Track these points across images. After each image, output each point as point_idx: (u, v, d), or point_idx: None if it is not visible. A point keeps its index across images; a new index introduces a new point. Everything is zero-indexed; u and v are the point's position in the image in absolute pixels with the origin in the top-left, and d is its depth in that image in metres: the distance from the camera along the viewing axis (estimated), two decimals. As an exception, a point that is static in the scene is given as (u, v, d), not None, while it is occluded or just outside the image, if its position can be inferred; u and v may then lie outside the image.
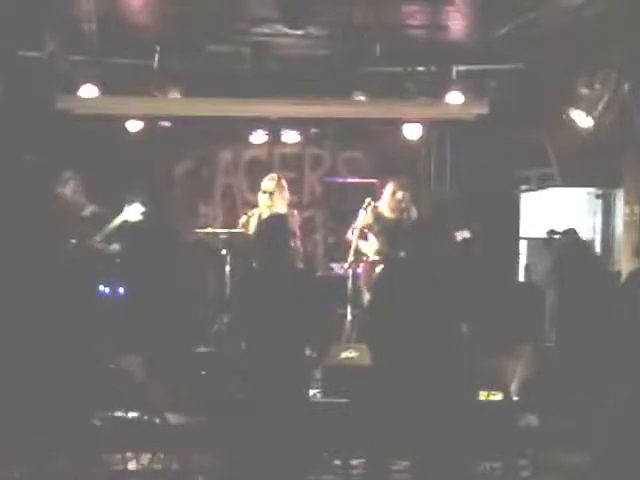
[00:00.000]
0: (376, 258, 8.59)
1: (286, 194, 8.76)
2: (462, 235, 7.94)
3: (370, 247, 8.65)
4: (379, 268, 8.30)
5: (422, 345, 5.51)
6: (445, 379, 5.50)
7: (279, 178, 8.80)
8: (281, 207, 8.59)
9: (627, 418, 5.85)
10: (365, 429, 6.10)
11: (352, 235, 8.58)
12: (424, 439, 5.53)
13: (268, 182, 8.71)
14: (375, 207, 8.61)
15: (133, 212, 8.13)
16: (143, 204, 8.20)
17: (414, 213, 8.69)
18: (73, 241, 7.70)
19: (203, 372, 7.65)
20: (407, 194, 8.63)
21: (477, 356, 6.06)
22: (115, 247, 8.10)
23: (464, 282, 5.80)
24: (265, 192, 8.66)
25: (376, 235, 8.63)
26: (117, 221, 8.09)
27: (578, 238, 7.16)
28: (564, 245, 6.62)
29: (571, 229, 7.67)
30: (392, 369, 5.64)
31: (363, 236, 8.63)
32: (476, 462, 6.27)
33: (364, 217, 8.56)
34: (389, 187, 8.69)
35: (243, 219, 8.76)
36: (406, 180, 8.73)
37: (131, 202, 8.18)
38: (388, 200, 8.65)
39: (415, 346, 5.51)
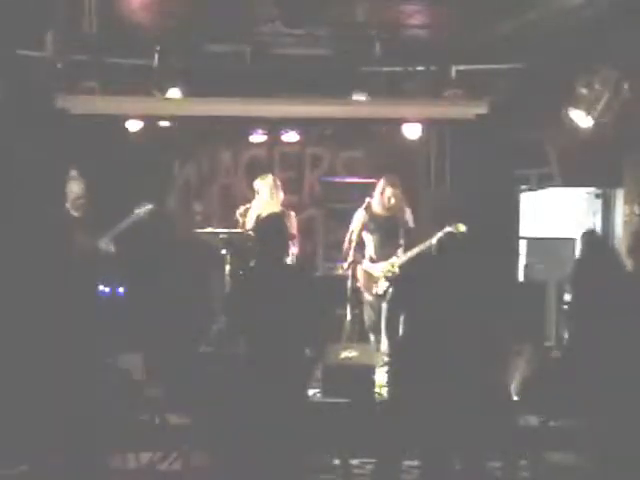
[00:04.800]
0: (373, 257, 8.63)
1: (280, 194, 8.80)
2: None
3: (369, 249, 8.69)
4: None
5: (435, 346, 5.54)
6: (459, 381, 5.53)
7: (273, 178, 8.87)
8: (275, 206, 8.62)
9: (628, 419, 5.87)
10: (365, 428, 6.12)
11: (354, 235, 8.61)
12: (435, 439, 5.54)
13: (259, 181, 8.83)
14: (369, 205, 8.64)
15: (144, 214, 8.21)
16: (154, 206, 8.28)
17: (407, 211, 8.69)
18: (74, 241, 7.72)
19: (202, 372, 7.65)
20: (397, 191, 8.63)
21: (479, 355, 6.06)
22: (110, 247, 8.14)
23: (468, 283, 5.83)
24: (257, 192, 8.76)
25: (371, 233, 8.65)
26: (127, 222, 8.14)
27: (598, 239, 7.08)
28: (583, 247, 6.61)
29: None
30: (407, 369, 5.67)
31: (360, 236, 8.64)
32: (481, 462, 6.28)
33: (362, 216, 8.58)
34: (379, 184, 8.72)
35: (241, 209, 8.81)
36: (396, 177, 8.73)
37: (143, 204, 8.26)
38: (379, 198, 8.67)
39: (428, 347, 5.54)
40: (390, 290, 8.30)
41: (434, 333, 5.60)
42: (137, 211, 8.31)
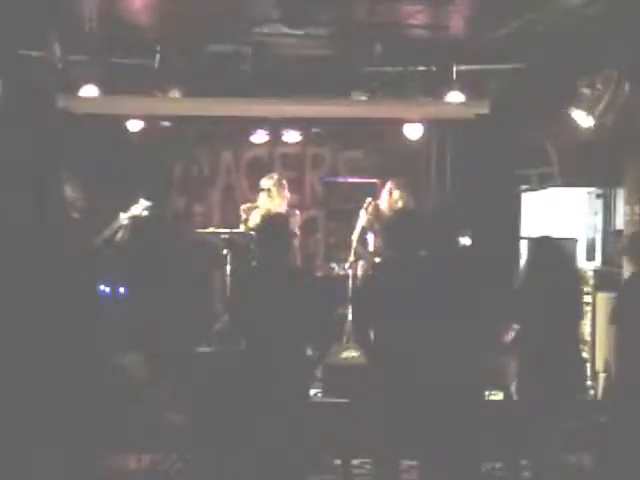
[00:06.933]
0: (377, 257, 8.64)
1: (286, 193, 8.81)
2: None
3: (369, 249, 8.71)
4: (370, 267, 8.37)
5: (424, 345, 5.52)
6: (451, 378, 5.52)
7: (279, 177, 8.88)
8: (280, 206, 8.64)
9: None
10: (366, 428, 6.10)
11: (355, 235, 8.65)
12: (432, 438, 5.54)
13: (266, 180, 8.84)
14: (376, 205, 8.69)
15: (139, 210, 8.15)
16: (149, 200, 8.21)
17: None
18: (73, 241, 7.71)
19: (203, 372, 7.65)
20: (404, 194, 8.69)
21: (479, 356, 6.06)
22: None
23: (465, 281, 5.82)
24: (263, 190, 8.77)
25: (376, 234, 8.68)
26: (121, 220, 8.09)
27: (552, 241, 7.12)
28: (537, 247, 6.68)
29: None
30: (393, 369, 5.65)
31: (364, 236, 8.67)
32: (480, 462, 6.28)
33: (365, 216, 8.62)
34: (387, 186, 8.79)
35: (245, 207, 8.82)
36: (404, 180, 8.77)
37: (137, 200, 8.20)
38: (387, 199, 8.74)
39: (415, 346, 5.52)
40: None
41: (415, 337, 5.58)
42: (132, 208, 8.20)
